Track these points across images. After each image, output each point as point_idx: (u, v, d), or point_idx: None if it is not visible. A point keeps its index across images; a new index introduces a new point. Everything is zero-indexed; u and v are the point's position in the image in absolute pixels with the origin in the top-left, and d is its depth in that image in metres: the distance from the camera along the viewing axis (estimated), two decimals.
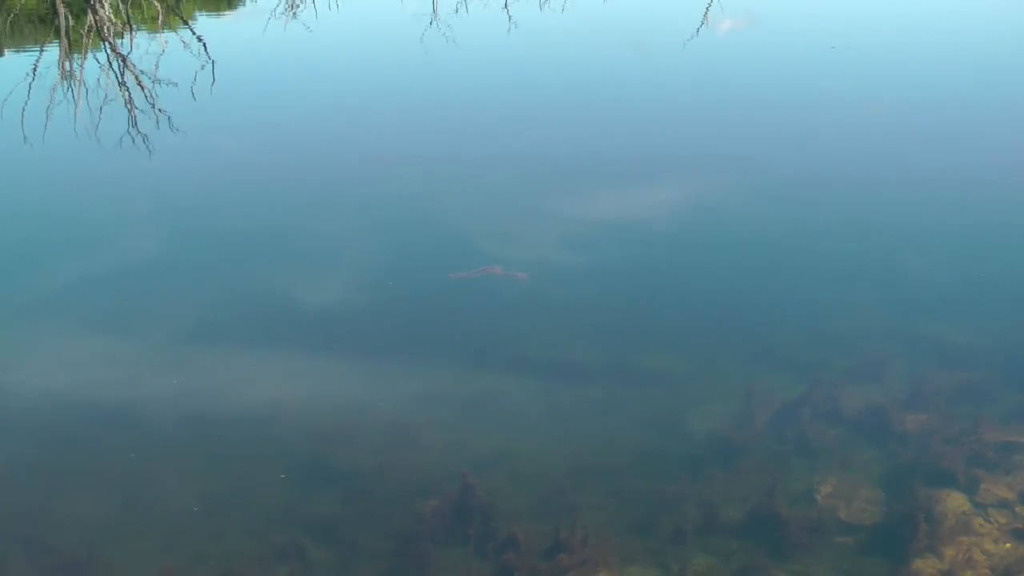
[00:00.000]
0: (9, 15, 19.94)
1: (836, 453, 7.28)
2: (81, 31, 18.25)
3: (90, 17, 18.44)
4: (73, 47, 17.73)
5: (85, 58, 17.11)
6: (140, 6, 20.14)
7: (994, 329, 8.69)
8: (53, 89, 14.90)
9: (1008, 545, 6.45)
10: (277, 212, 11.29)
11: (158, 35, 18.74)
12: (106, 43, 17.69)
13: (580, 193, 11.60)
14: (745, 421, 7.61)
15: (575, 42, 19.17)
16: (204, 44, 17.40)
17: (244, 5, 23.84)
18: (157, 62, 16.20)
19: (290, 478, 7.09)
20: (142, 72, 15.84)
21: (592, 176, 12.18)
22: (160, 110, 14.20)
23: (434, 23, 19.53)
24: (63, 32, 18.23)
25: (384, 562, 6.41)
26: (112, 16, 18.54)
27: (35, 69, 15.75)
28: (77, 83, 15.55)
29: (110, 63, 16.62)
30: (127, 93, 15.03)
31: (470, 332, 8.88)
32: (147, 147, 12.97)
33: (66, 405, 7.82)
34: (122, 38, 18.40)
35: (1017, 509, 6.73)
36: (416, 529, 6.60)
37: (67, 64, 16.76)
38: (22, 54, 18.35)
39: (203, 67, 16.03)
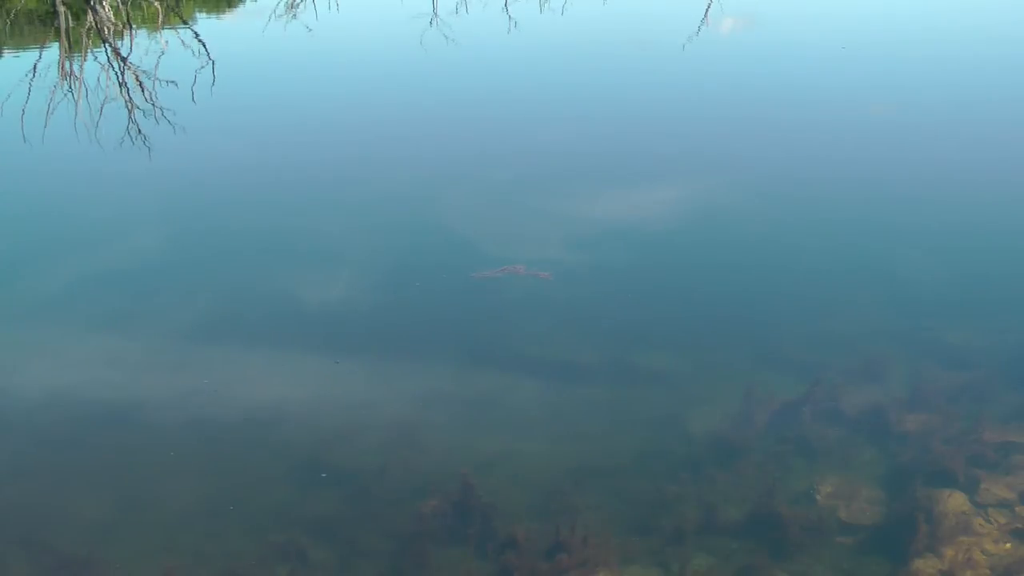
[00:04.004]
0: (9, 15, 19.94)
1: (836, 453, 7.28)
2: (81, 31, 18.26)
3: (90, 17, 18.44)
4: (73, 47, 17.73)
5: (85, 58, 17.11)
6: (140, 6, 20.15)
7: (994, 329, 8.69)
8: (53, 89, 14.91)
9: (1008, 545, 6.45)
10: (277, 212, 11.29)
11: (158, 35, 18.75)
12: (106, 43, 17.69)
13: (580, 193, 11.60)
14: (745, 421, 7.61)
15: (576, 42, 19.18)
16: (204, 44, 17.41)
17: (244, 5, 23.85)
18: (157, 62, 16.22)
19: (290, 478, 7.09)
20: (142, 72, 15.85)
21: (592, 176, 12.19)
22: (160, 110, 14.21)
23: (434, 23, 19.54)
24: (63, 32, 18.24)
25: (384, 562, 6.41)
26: (112, 16, 18.54)
27: (35, 69, 15.75)
28: (77, 83, 15.56)
29: (110, 63, 16.63)
30: (127, 93, 15.03)
31: (470, 332, 8.88)
32: (147, 147, 12.98)
33: (67, 405, 7.82)
34: (122, 38, 18.41)
35: (1017, 509, 6.72)
36: (416, 529, 6.60)
37: (67, 64, 16.76)
38: (22, 54, 18.36)
39: (203, 67, 16.04)
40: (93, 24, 18.27)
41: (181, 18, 20.56)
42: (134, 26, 19.29)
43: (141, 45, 18.08)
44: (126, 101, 14.66)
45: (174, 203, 11.59)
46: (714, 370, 8.26)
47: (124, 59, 16.83)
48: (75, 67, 16.57)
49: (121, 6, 19.16)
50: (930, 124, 14.08)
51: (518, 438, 7.45)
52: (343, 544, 6.55)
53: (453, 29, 18.98)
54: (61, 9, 18.47)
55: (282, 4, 21.70)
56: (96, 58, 17.02)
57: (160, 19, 19.39)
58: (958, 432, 7.41)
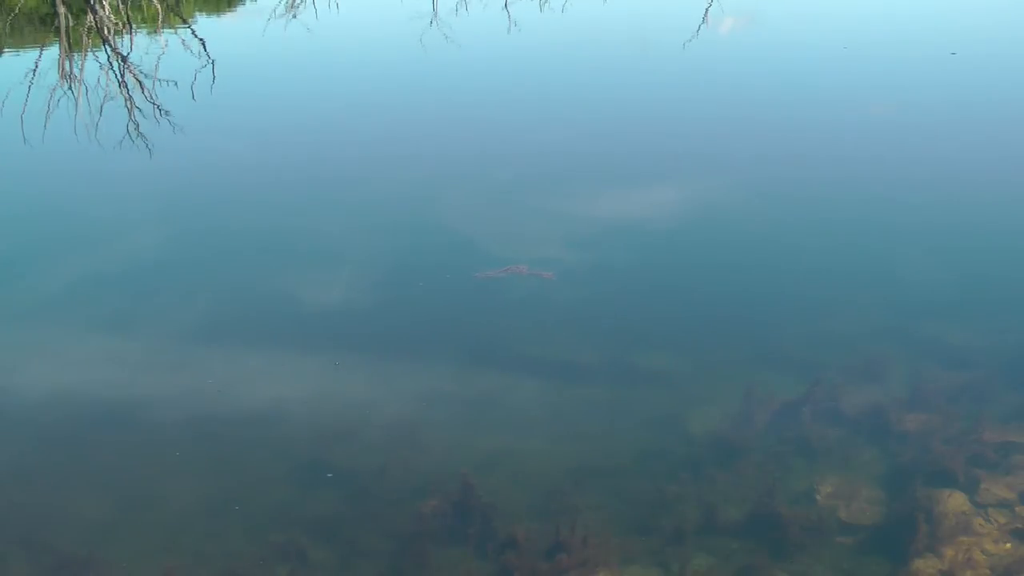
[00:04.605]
0: (9, 15, 19.94)
1: (836, 453, 7.28)
2: (81, 31, 18.26)
3: (90, 17, 18.45)
4: (73, 47, 17.73)
5: (85, 58, 17.11)
6: (140, 6, 20.15)
7: (994, 329, 8.69)
8: (53, 89, 14.91)
9: (1008, 545, 6.45)
10: (277, 212, 11.29)
11: (158, 35, 18.76)
12: (106, 43, 17.69)
13: (580, 193, 11.60)
14: (745, 421, 7.61)
15: (576, 42, 19.18)
16: (204, 44, 17.41)
17: (244, 5, 23.85)
18: (157, 62, 16.23)
19: (291, 478, 7.09)
20: (142, 72, 15.85)
21: (593, 176, 12.19)
22: (160, 110, 14.21)
23: (434, 23, 19.54)
24: (63, 32, 18.24)
25: (384, 562, 6.41)
26: (112, 16, 18.55)
27: (35, 69, 15.76)
28: (77, 83, 15.56)
29: (110, 63, 16.63)
30: (127, 93, 15.03)
31: (473, 332, 8.88)
32: (147, 147, 12.98)
33: (67, 404, 7.81)
34: (122, 38, 18.41)
35: (1017, 509, 6.72)
36: (416, 529, 6.60)
37: (67, 64, 16.76)
38: (22, 54, 18.35)
39: (203, 67, 16.05)
40: (93, 24, 18.27)
41: (181, 18, 20.57)
42: (134, 26, 19.29)
43: (141, 45, 18.11)
44: (126, 101, 14.67)
45: (174, 203, 11.59)
46: (714, 370, 8.26)
47: (124, 59, 16.83)
48: (75, 67, 16.58)
49: (121, 6, 19.17)
50: (930, 124, 14.07)
51: (518, 438, 7.45)
52: (343, 544, 6.55)
53: (453, 29, 18.99)
54: (61, 9, 18.47)
55: (282, 4, 21.71)
56: (96, 58, 17.03)
57: (160, 19, 19.40)
58: (958, 432, 7.41)
